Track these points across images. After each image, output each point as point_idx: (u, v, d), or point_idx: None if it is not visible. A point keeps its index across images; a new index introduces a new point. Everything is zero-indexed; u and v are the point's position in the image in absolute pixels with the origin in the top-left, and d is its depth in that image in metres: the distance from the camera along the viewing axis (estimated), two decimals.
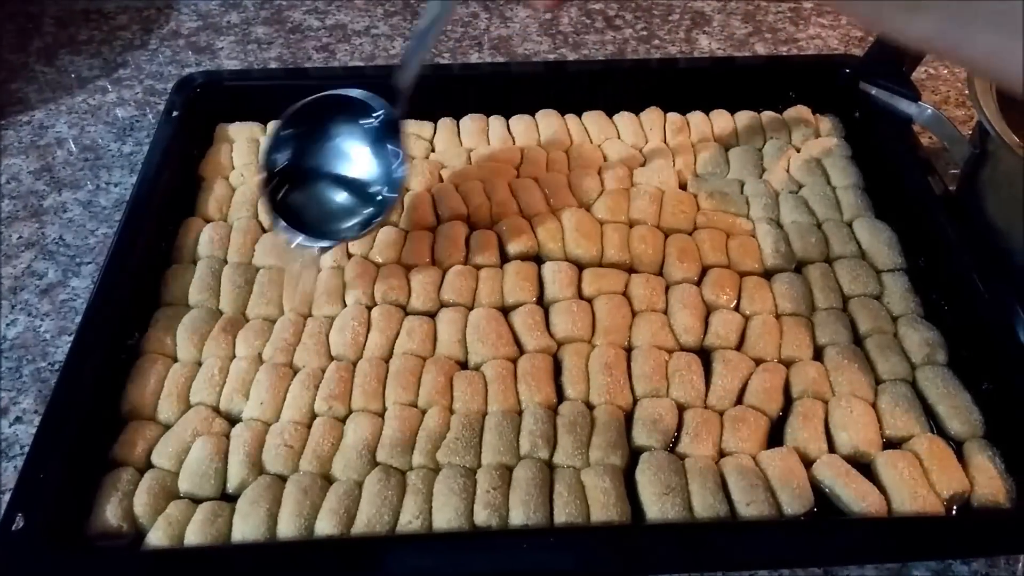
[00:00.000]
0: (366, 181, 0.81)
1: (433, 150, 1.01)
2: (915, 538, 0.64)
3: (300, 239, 0.77)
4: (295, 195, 0.80)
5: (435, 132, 1.03)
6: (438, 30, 0.77)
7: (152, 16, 1.32)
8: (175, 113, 0.98)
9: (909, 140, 0.93)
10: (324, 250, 0.80)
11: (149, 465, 0.72)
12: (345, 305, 0.84)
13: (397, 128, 0.80)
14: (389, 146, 0.80)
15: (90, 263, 0.93)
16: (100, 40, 1.27)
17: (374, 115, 0.80)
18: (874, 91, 0.93)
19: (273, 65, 1.22)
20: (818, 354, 0.80)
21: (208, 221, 0.92)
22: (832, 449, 0.73)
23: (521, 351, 0.80)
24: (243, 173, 0.96)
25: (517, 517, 0.67)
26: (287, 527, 0.67)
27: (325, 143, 0.82)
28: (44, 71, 1.21)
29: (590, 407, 0.76)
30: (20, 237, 0.96)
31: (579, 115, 1.04)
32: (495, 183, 0.95)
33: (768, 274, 0.87)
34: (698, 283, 0.86)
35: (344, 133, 0.81)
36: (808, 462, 0.71)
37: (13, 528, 0.62)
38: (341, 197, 0.81)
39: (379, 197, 0.80)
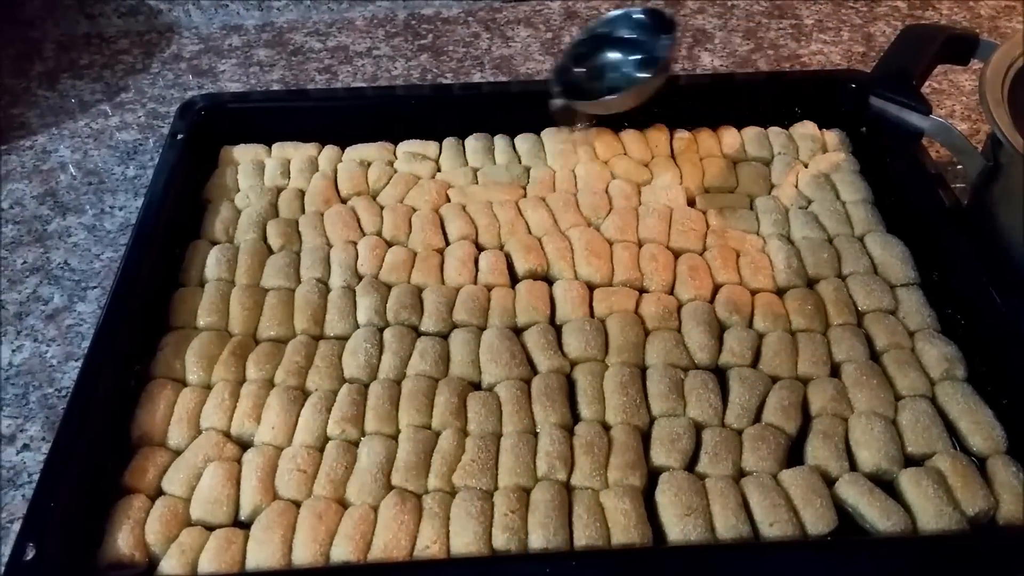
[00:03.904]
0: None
1: (439, 170, 1.01)
2: (944, 557, 0.63)
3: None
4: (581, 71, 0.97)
5: (440, 152, 1.02)
6: None
7: (153, 40, 1.31)
8: (179, 136, 0.97)
9: (919, 154, 0.93)
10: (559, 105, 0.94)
11: (160, 492, 0.71)
12: (357, 326, 0.83)
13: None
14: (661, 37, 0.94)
15: (96, 287, 0.92)
16: (102, 64, 1.27)
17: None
18: (884, 105, 0.93)
19: (275, 87, 1.22)
20: (835, 370, 0.79)
21: (214, 243, 0.91)
22: (853, 467, 0.72)
23: (534, 371, 0.80)
24: (248, 195, 0.96)
25: (536, 540, 0.66)
26: (302, 553, 0.66)
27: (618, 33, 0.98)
28: (46, 96, 1.20)
29: (606, 427, 0.75)
30: (25, 262, 0.95)
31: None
32: (502, 202, 0.95)
33: (780, 291, 0.87)
34: (710, 301, 0.86)
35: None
36: (830, 480, 0.70)
37: (25, 559, 0.61)
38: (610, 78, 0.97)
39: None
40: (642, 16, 0.97)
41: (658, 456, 0.72)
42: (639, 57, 0.97)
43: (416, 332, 0.83)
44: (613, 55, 0.98)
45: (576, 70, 0.97)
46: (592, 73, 0.98)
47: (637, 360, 0.80)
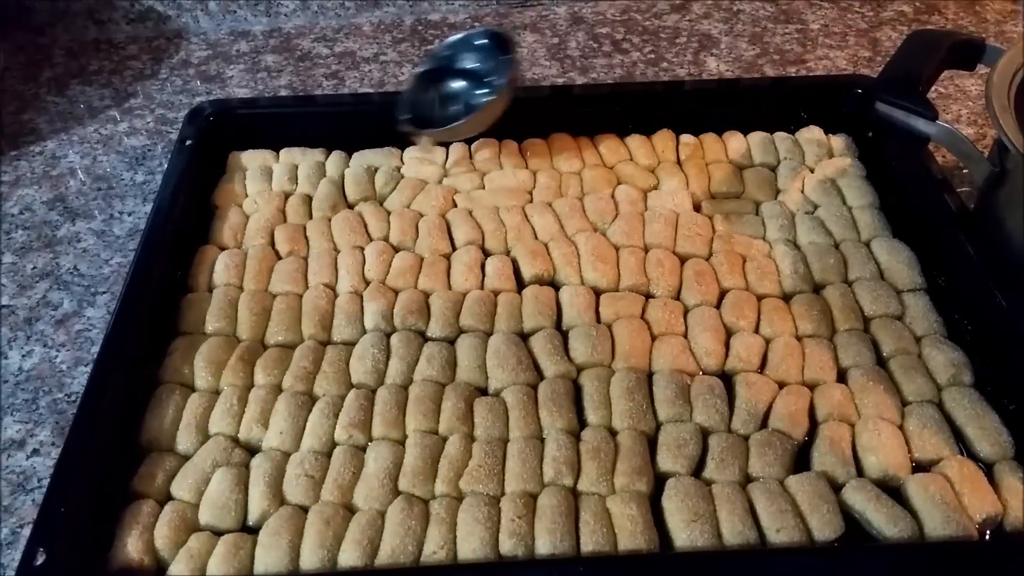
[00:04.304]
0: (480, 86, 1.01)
1: (446, 175, 1.01)
2: (951, 564, 0.63)
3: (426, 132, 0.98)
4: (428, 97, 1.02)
5: (447, 157, 1.03)
6: None
7: (162, 46, 1.32)
8: (188, 142, 0.98)
9: (925, 159, 0.93)
10: (421, 134, 0.98)
11: (169, 497, 0.71)
12: (364, 332, 0.83)
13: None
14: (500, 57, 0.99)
15: (105, 293, 0.92)
16: (110, 70, 1.27)
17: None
18: (891, 111, 0.93)
19: (283, 93, 1.22)
20: (841, 376, 0.79)
21: (223, 249, 0.91)
22: (860, 473, 0.72)
23: (541, 376, 0.80)
24: (256, 200, 0.96)
25: (543, 546, 0.66)
26: (310, 558, 0.66)
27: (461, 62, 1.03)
28: (55, 101, 1.21)
29: (613, 433, 0.75)
30: (35, 267, 0.96)
31: (591, 138, 1.04)
32: (509, 208, 0.95)
33: (787, 296, 0.87)
34: (716, 306, 0.86)
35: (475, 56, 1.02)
36: (836, 486, 0.70)
37: (35, 564, 0.61)
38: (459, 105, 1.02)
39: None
40: (484, 40, 1.01)
41: (665, 462, 0.72)
42: (485, 80, 1.01)
43: (423, 337, 0.83)
44: (458, 82, 1.03)
45: (424, 97, 1.01)
46: (439, 100, 1.02)
47: (643, 365, 0.80)
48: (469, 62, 1.02)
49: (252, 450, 0.75)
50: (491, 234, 0.92)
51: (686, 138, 1.04)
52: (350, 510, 0.70)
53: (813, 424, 0.76)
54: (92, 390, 0.73)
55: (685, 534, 0.67)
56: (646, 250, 0.91)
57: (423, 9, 1.37)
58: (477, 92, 1.02)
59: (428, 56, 1.03)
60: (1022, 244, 0.82)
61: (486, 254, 0.91)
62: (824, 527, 0.67)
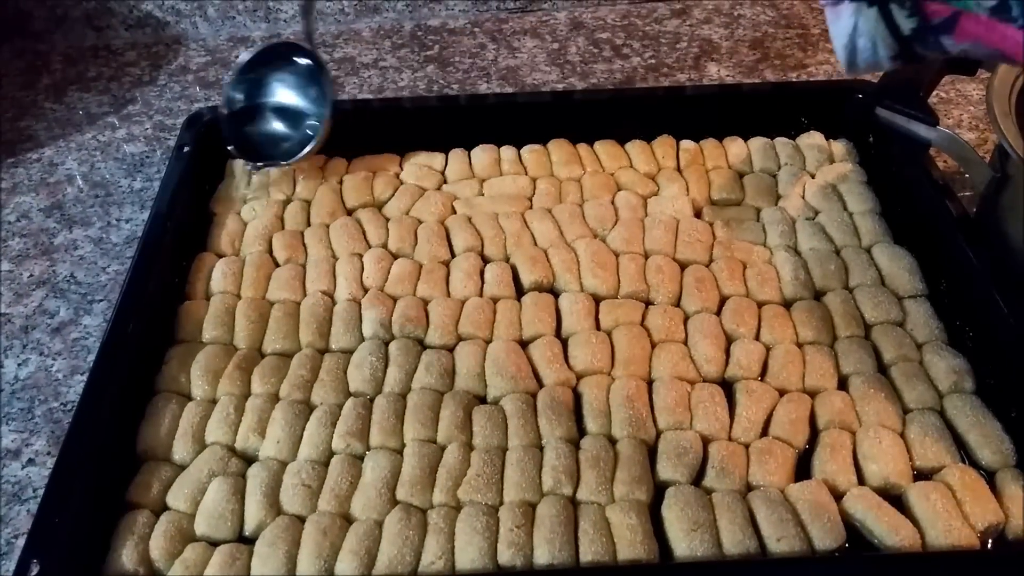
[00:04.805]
0: (303, 116, 0.99)
1: (445, 181, 1.01)
2: (954, 573, 0.62)
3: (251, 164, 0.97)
4: (251, 128, 0.99)
5: (446, 163, 1.02)
6: None
7: (160, 52, 1.32)
8: (186, 148, 0.97)
9: (926, 164, 0.93)
10: (259, 167, 0.97)
11: (165, 507, 0.71)
12: (363, 339, 0.83)
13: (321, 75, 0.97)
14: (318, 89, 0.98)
15: (102, 300, 0.92)
16: (109, 76, 1.27)
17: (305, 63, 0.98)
18: (892, 116, 0.93)
19: None
20: (842, 383, 0.79)
21: (220, 256, 0.91)
22: (861, 481, 0.71)
23: (540, 384, 0.79)
24: (254, 207, 0.96)
25: (542, 556, 0.66)
26: (307, 569, 0.66)
27: (275, 87, 1.00)
28: (53, 108, 1.21)
29: (612, 441, 0.74)
30: (31, 275, 0.95)
31: (590, 144, 1.04)
32: (508, 214, 0.95)
33: (787, 303, 0.86)
34: (717, 313, 0.85)
35: (289, 78, 0.99)
36: (838, 495, 0.70)
37: (30, 575, 0.61)
38: (285, 129, 0.99)
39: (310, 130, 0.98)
40: (302, 62, 0.98)
41: (664, 470, 0.72)
42: (302, 91, 0.99)
43: (421, 345, 0.83)
44: (272, 99, 1.00)
45: (244, 123, 0.98)
46: (258, 118, 0.99)
47: (643, 373, 0.80)
48: (279, 79, 0.99)
49: (249, 459, 0.74)
50: (490, 241, 0.92)
51: (686, 144, 1.03)
52: (347, 520, 0.70)
53: (814, 432, 0.75)
54: (88, 399, 0.72)
55: (685, 543, 0.66)
56: (646, 257, 0.91)
57: (423, 15, 1.37)
58: (296, 105, 0.99)
59: (233, 80, 0.98)
60: None
61: (485, 261, 0.91)
62: (825, 536, 0.66)
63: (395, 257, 0.91)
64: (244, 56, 0.98)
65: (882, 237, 0.91)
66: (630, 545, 0.66)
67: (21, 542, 0.64)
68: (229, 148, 0.96)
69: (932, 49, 0.49)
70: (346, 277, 0.88)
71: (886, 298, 0.85)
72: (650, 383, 0.79)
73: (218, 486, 0.71)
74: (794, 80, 1.23)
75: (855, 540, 0.67)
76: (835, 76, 1.23)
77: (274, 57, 0.99)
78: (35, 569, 0.61)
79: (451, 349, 0.82)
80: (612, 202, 0.96)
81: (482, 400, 0.79)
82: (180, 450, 0.74)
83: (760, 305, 0.86)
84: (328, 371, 0.79)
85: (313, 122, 0.98)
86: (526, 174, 1.01)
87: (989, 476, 0.71)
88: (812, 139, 1.03)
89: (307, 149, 0.96)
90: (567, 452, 0.72)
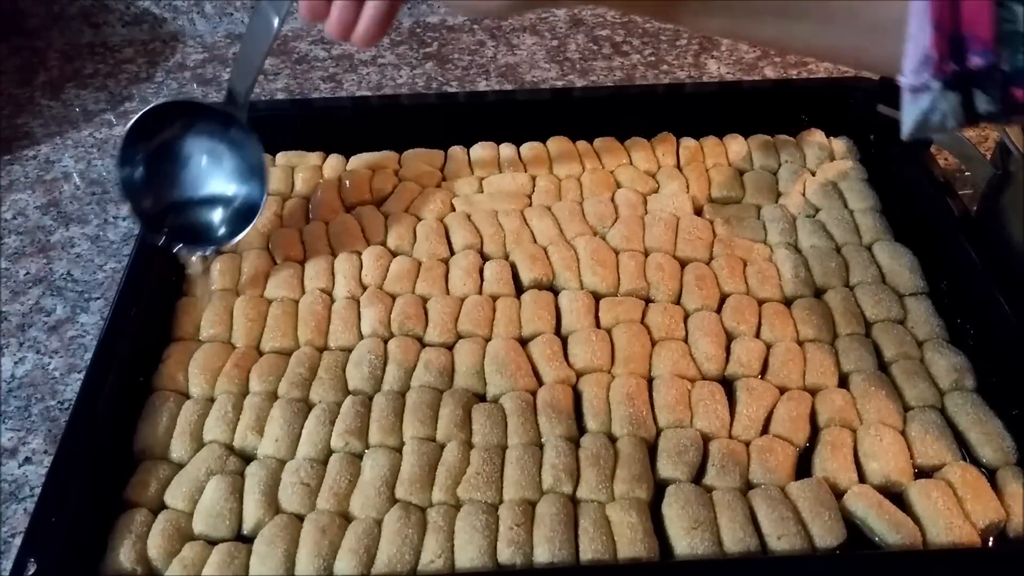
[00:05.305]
0: (231, 188, 0.83)
1: (444, 179, 1.00)
2: (955, 571, 0.62)
3: (179, 247, 0.82)
4: (164, 201, 0.82)
5: (445, 161, 1.02)
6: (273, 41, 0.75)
7: (158, 49, 1.32)
8: None
9: (927, 162, 0.92)
10: (204, 256, 0.84)
11: (163, 506, 0.70)
12: (361, 337, 0.82)
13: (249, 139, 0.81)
14: (247, 155, 0.82)
15: (99, 298, 0.92)
16: (106, 73, 1.27)
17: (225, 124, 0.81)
18: (893, 113, 0.92)
19: (280, 96, 1.22)
20: (843, 381, 0.79)
21: (219, 253, 0.90)
22: (862, 479, 0.71)
23: (540, 382, 0.79)
24: None
25: (542, 555, 0.65)
26: (305, 568, 0.65)
27: (187, 152, 0.82)
28: (50, 105, 1.20)
29: (612, 439, 0.74)
30: (27, 273, 0.95)
31: (590, 141, 1.04)
32: (507, 212, 0.94)
33: (788, 300, 0.86)
34: (717, 311, 0.85)
35: (203, 140, 0.82)
36: (838, 493, 0.70)
37: (26, 574, 0.60)
38: (211, 202, 0.83)
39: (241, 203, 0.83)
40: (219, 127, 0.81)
41: (665, 468, 0.72)
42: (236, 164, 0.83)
43: (420, 343, 0.82)
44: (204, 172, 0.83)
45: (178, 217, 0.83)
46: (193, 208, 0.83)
47: (643, 371, 0.79)
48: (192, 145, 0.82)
49: (247, 458, 0.74)
50: (490, 238, 0.92)
51: (686, 141, 1.03)
52: (346, 518, 0.69)
53: (814, 430, 0.75)
54: (85, 397, 0.72)
55: (685, 542, 0.66)
56: (646, 254, 0.90)
57: (421, 12, 1.37)
58: (211, 165, 0.82)
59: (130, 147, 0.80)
60: None
61: (484, 258, 0.91)
62: (826, 534, 0.66)
63: (394, 255, 0.91)
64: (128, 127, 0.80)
65: (883, 235, 0.91)
66: (630, 543, 0.66)
67: (18, 541, 0.64)
68: (148, 233, 0.81)
69: (1000, 123, 0.49)
70: (345, 275, 0.87)
71: (887, 296, 0.84)
72: (650, 381, 0.79)
73: (216, 485, 0.70)
74: (794, 77, 1.23)
75: (856, 538, 0.67)
76: (835, 73, 1.22)
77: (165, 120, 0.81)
78: (32, 568, 0.61)
79: (450, 347, 0.82)
80: (612, 200, 0.96)
81: (482, 398, 0.78)
82: (178, 448, 0.74)
83: (760, 303, 0.85)
84: (327, 369, 0.79)
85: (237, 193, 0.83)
86: (525, 172, 1.00)
87: (990, 474, 0.71)
88: (813, 136, 1.03)
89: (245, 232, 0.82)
90: (567, 450, 0.72)
